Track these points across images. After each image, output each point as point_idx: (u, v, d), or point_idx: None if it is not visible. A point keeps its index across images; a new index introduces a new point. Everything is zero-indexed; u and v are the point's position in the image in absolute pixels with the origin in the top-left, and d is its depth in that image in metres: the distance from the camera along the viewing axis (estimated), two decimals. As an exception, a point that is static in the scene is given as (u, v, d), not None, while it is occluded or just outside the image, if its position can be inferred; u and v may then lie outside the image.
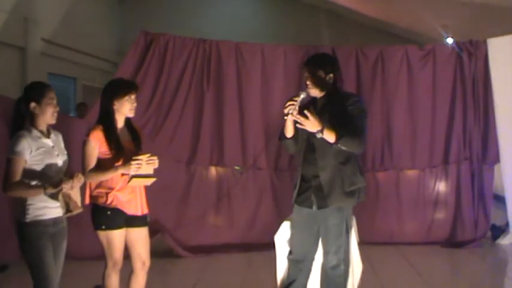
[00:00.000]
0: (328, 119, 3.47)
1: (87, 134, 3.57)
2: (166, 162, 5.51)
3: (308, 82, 3.60)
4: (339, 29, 12.11)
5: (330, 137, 3.39)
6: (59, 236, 3.28)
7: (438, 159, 6.73)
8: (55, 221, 3.23)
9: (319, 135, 3.38)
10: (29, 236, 3.14)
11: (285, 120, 3.56)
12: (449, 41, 8.87)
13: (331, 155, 3.54)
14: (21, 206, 3.16)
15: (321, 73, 3.58)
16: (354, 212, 4.52)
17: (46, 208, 3.17)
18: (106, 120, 3.61)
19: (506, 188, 6.64)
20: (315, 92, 3.62)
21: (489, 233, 6.80)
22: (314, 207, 3.62)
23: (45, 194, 3.12)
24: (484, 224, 6.65)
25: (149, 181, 3.63)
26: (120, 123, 3.66)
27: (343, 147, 3.44)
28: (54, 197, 3.15)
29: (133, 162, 3.44)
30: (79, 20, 10.07)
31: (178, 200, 6.34)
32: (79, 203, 3.24)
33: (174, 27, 9.15)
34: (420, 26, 11.02)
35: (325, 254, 3.65)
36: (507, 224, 6.72)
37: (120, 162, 3.52)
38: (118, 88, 3.65)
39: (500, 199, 7.33)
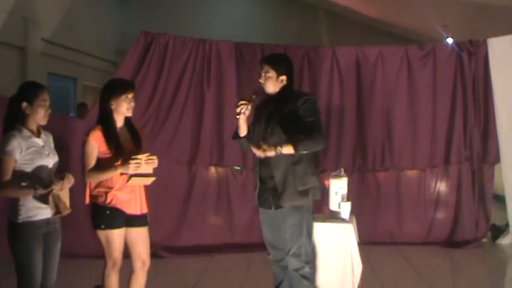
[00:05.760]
0: (279, 118, 3.55)
1: (87, 134, 3.58)
2: (166, 163, 5.54)
3: (261, 80, 3.65)
4: (338, 29, 12.11)
5: (288, 150, 3.42)
6: (52, 236, 3.27)
7: (438, 159, 6.72)
8: (48, 221, 3.22)
9: (279, 153, 3.40)
10: (21, 236, 3.13)
11: (238, 119, 3.62)
12: (449, 41, 8.88)
13: (285, 154, 3.52)
14: (13, 206, 3.16)
15: (273, 73, 3.63)
16: (354, 212, 4.57)
17: (38, 209, 3.16)
18: (105, 120, 3.61)
19: (506, 188, 6.65)
20: (268, 90, 3.65)
21: (489, 233, 6.80)
22: (273, 208, 3.64)
23: (35, 195, 3.11)
24: (484, 224, 6.65)
25: (149, 180, 3.62)
26: (119, 122, 3.67)
27: (305, 152, 3.49)
28: (43, 198, 3.13)
29: (131, 162, 3.44)
30: (79, 20, 10.07)
31: (180, 201, 6.33)
32: (68, 204, 3.23)
33: (174, 27, 9.14)
34: (420, 26, 11.03)
35: (286, 255, 3.65)
36: (507, 224, 6.73)
37: (119, 162, 3.52)
38: (115, 88, 3.66)
39: (500, 199, 7.34)
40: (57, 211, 3.19)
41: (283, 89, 3.68)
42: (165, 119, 6.31)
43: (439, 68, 6.72)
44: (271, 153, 3.40)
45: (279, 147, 3.39)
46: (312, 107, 3.60)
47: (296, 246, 3.60)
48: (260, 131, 3.66)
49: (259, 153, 3.42)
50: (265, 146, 3.40)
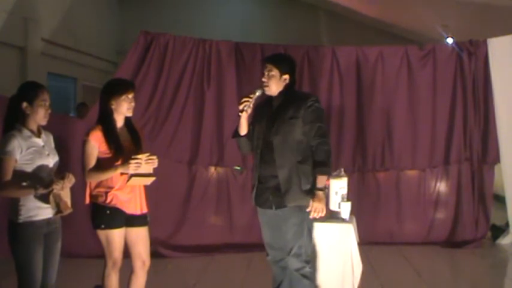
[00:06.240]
0: (285, 118, 3.57)
1: (87, 134, 3.58)
2: (167, 163, 5.54)
3: (264, 79, 3.65)
4: (339, 29, 12.10)
5: (324, 180, 3.61)
6: (52, 236, 3.27)
7: (438, 159, 6.72)
8: (48, 221, 3.22)
9: (324, 189, 3.60)
10: (21, 236, 3.13)
11: (240, 117, 3.62)
12: (449, 41, 8.87)
13: (289, 153, 3.57)
14: (14, 206, 3.15)
15: (276, 72, 3.63)
16: (354, 212, 4.57)
17: (38, 209, 3.16)
18: (105, 120, 3.61)
19: (506, 188, 6.64)
20: (270, 90, 3.64)
21: (489, 233, 6.80)
22: (273, 208, 3.63)
23: (36, 194, 3.11)
24: (484, 224, 6.65)
25: (149, 180, 3.62)
26: (119, 122, 3.67)
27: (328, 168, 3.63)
28: (44, 198, 3.13)
29: (132, 161, 3.45)
30: (79, 20, 10.06)
31: (180, 201, 6.33)
32: (69, 204, 3.23)
33: (174, 27, 9.14)
34: (420, 26, 11.02)
35: (287, 255, 3.65)
36: (507, 224, 6.73)
37: (119, 162, 3.52)
38: (115, 88, 3.66)
39: (500, 199, 7.33)
40: (58, 210, 3.19)
41: (286, 89, 3.67)
42: (165, 119, 6.31)
43: (439, 68, 6.72)
44: (322, 206, 3.55)
45: (325, 190, 3.56)
46: (319, 109, 3.63)
47: (297, 246, 3.59)
48: (261, 130, 3.66)
49: (322, 213, 3.55)
50: (319, 205, 3.52)
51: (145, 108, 6.13)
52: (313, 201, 3.52)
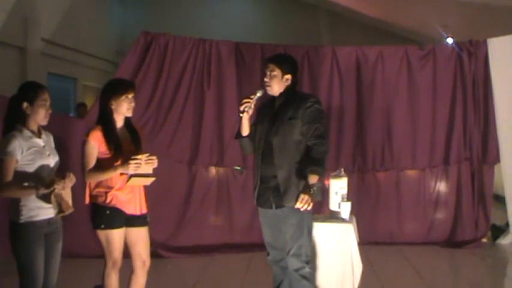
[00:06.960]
0: (284, 119, 3.56)
1: (87, 134, 3.58)
2: (167, 163, 5.54)
3: (266, 79, 3.66)
4: (339, 29, 12.12)
5: (315, 179, 3.47)
6: (53, 236, 3.27)
7: (438, 159, 6.73)
8: (49, 221, 3.22)
9: (317, 187, 3.48)
10: (23, 236, 3.13)
11: (241, 118, 3.62)
12: (449, 41, 8.89)
13: (289, 154, 3.56)
14: (14, 206, 3.15)
15: (278, 72, 3.64)
16: (354, 212, 4.57)
17: (39, 209, 3.15)
18: (105, 120, 3.61)
19: (506, 188, 6.65)
20: (272, 90, 3.65)
21: (489, 233, 6.80)
22: (273, 207, 3.63)
23: (37, 194, 3.11)
24: (484, 224, 6.65)
25: (148, 180, 3.62)
26: (119, 123, 3.67)
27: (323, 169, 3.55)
28: (45, 198, 3.13)
29: (131, 162, 3.44)
30: (79, 20, 10.08)
31: (180, 201, 6.33)
32: (70, 203, 3.22)
33: (174, 27, 9.14)
34: (420, 26, 11.04)
35: (287, 255, 3.64)
36: (507, 224, 6.73)
37: (119, 162, 3.52)
38: (115, 88, 3.65)
39: (500, 199, 7.34)
40: (60, 210, 3.19)
41: (288, 89, 3.68)
42: (165, 119, 6.31)
43: (439, 68, 6.72)
44: (310, 198, 3.44)
45: (313, 188, 3.44)
46: (318, 110, 3.62)
47: (296, 246, 3.59)
48: (263, 131, 3.66)
49: (308, 206, 3.44)
50: (305, 197, 3.41)
51: (145, 108, 6.13)
52: (301, 192, 3.46)
